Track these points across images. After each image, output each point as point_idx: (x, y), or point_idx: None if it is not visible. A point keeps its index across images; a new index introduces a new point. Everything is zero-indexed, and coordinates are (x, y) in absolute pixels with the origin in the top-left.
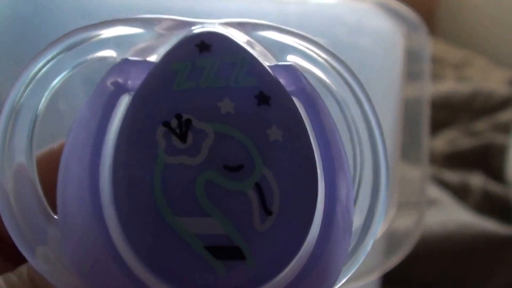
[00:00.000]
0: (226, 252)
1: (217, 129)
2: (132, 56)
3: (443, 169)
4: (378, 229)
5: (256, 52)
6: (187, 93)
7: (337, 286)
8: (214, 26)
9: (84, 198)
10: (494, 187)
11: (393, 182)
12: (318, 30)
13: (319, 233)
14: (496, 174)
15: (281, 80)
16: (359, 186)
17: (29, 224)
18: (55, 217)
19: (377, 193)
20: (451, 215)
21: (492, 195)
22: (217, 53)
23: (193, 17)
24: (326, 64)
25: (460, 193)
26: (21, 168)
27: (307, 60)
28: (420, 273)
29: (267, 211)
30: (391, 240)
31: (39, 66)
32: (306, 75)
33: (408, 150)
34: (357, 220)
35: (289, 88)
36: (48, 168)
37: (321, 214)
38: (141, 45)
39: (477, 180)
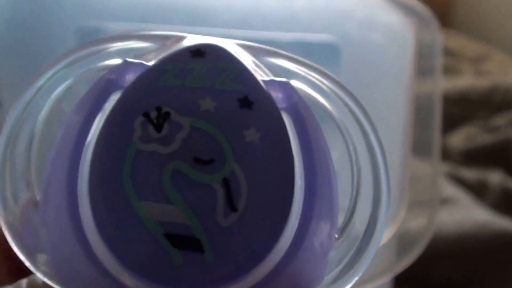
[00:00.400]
0: (185, 242)
1: (193, 124)
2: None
3: (461, 167)
4: (381, 239)
5: (255, 68)
6: (171, 89)
7: None
8: (218, 41)
9: (62, 174)
10: None
11: (404, 180)
12: (327, 25)
13: (292, 240)
14: None
15: (274, 95)
16: (356, 198)
17: (28, 230)
18: None
19: (378, 206)
20: (468, 214)
21: (511, 193)
22: (209, 59)
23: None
24: (331, 93)
25: (478, 191)
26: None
27: (311, 87)
28: (436, 273)
29: (232, 207)
30: (403, 240)
31: (44, 79)
32: (311, 104)
33: (420, 147)
34: (358, 229)
35: (281, 103)
36: None
37: (295, 228)
38: (145, 54)
39: (496, 177)
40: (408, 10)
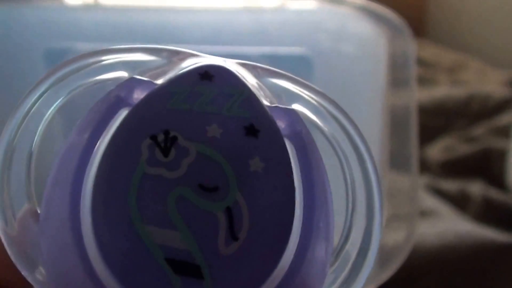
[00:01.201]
0: (185, 268)
1: (200, 150)
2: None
3: (441, 178)
4: (375, 258)
5: (259, 91)
6: (179, 113)
7: None
8: (224, 62)
9: (65, 192)
10: (495, 194)
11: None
12: (298, 38)
13: (288, 269)
14: (496, 180)
15: (279, 122)
16: (347, 236)
17: (28, 246)
18: None
19: (365, 253)
20: (449, 225)
21: (493, 203)
22: (218, 83)
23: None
24: (333, 119)
25: (459, 202)
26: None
27: (313, 112)
28: (418, 286)
29: (233, 236)
30: (383, 254)
31: (34, 100)
32: (309, 126)
33: (398, 160)
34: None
35: (285, 130)
36: None
37: (292, 256)
38: (152, 69)
39: (476, 188)
40: (380, 19)
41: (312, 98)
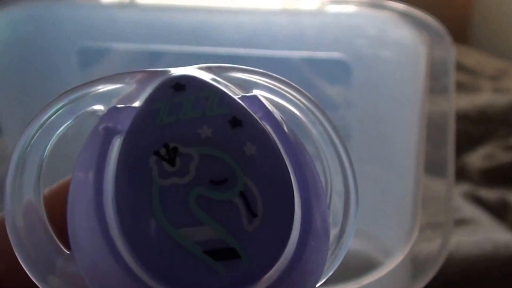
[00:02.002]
0: (223, 253)
1: (200, 152)
2: (117, 104)
3: (480, 186)
4: (351, 237)
5: (224, 88)
6: (170, 126)
7: (319, 284)
8: (185, 70)
9: (92, 227)
10: None
11: (417, 201)
12: (337, 42)
13: (298, 236)
14: None
15: (248, 109)
16: (330, 199)
17: (39, 255)
18: (63, 248)
19: (347, 210)
20: (488, 235)
21: None
22: (191, 90)
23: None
24: (289, 95)
25: (499, 211)
26: (30, 205)
27: (271, 93)
28: None
29: (253, 214)
30: (417, 263)
31: (47, 116)
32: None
33: (434, 166)
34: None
35: (257, 114)
36: (58, 201)
37: (299, 218)
38: (122, 95)
39: None
40: (420, 25)
41: (268, 83)
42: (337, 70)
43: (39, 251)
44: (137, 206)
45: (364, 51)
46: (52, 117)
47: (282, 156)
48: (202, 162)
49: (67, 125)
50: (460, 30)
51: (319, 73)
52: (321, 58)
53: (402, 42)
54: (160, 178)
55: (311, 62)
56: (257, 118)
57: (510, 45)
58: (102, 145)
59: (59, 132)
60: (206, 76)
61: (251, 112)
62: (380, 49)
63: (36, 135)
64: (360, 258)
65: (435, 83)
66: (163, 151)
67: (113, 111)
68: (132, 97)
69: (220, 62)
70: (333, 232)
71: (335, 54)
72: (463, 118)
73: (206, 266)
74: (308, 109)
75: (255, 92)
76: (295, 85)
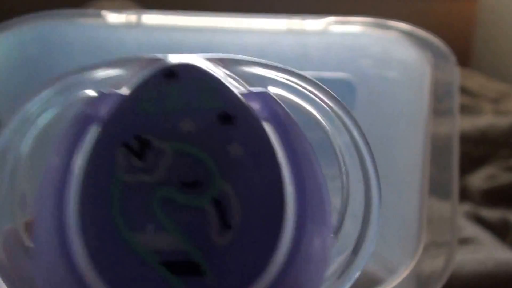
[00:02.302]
0: (184, 267)
1: (175, 148)
2: (106, 91)
3: (482, 206)
4: (363, 265)
5: (229, 81)
6: (149, 116)
7: None
8: (186, 58)
9: (50, 219)
10: None
11: (421, 220)
12: (342, 62)
13: (290, 247)
14: None
15: (254, 106)
16: (344, 215)
17: (15, 268)
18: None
19: (366, 227)
20: (490, 253)
21: None
22: (184, 79)
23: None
24: (308, 93)
25: (500, 230)
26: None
27: (288, 91)
28: None
29: (226, 225)
30: (421, 281)
31: (28, 107)
32: (287, 105)
33: (438, 186)
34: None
35: (261, 113)
36: None
37: (291, 234)
38: (114, 81)
39: None
40: (425, 45)
41: (288, 79)
42: (341, 90)
43: (13, 260)
44: (96, 202)
45: (368, 71)
46: (34, 108)
47: (277, 165)
48: (175, 160)
49: (51, 114)
50: (462, 53)
51: None
52: (326, 78)
53: (406, 62)
54: (125, 174)
55: None
56: (255, 116)
57: (511, 68)
58: (77, 131)
59: (42, 123)
60: (210, 67)
61: (249, 109)
62: (384, 69)
63: (17, 129)
64: (364, 276)
65: (440, 104)
66: (133, 142)
67: (98, 97)
68: (123, 84)
69: None
70: (342, 256)
71: (340, 74)
72: (464, 139)
73: (161, 279)
74: (334, 112)
75: (270, 89)
76: (320, 84)
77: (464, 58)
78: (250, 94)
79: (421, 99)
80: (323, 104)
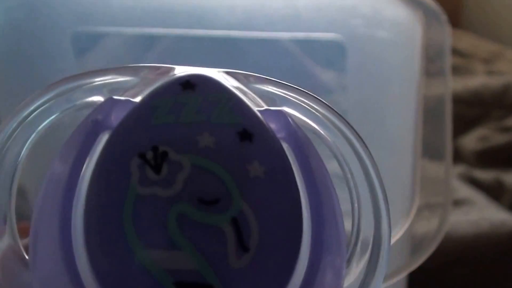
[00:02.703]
0: None
1: (194, 162)
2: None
3: (475, 168)
4: (387, 261)
5: (245, 97)
6: (166, 127)
7: None
8: (203, 70)
9: (53, 231)
10: None
11: (415, 181)
12: (332, 23)
13: (304, 276)
14: None
15: (271, 124)
16: (357, 239)
17: (4, 271)
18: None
19: (377, 253)
20: (484, 214)
21: None
22: (201, 91)
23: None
24: (322, 117)
25: (494, 192)
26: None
27: (302, 112)
28: (451, 276)
29: (244, 248)
30: (415, 242)
31: (29, 111)
32: (301, 126)
33: (431, 148)
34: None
35: (279, 133)
36: None
37: (307, 256)
38: (129, 88)
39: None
40: (416, 5)
41: (301, 100)
42: (332, 51)
43: (9, 275)
44: (106, 214)
45: (359, 31)
46: (35, 112)
47: (296, 186)
48: (193, 175)
49: (51, 120)
50: (453, 13)
51: (314, 54)
52: (316, 40)
53: (397, 22)
54: (139, 186)
55: (306, 44)
56: (273, 135)
57: (503, 27)
58: (86, 138)
59: (40, 129)
60: (227, 81)
61: (268, 127)
62: (375, 29)
63: (15, 133)
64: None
65: (431, 65)
66: (149, 154)
67: (108, 103)
68: (137, 92)
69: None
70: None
71: (330, 35)
72: (457, 101)
73: None
74: (347, 140)
75: (285, 109)
76: (333, 108)
77: (455, 18)
78: (267, 112)
79: (413, 60)
80: (336, 129)
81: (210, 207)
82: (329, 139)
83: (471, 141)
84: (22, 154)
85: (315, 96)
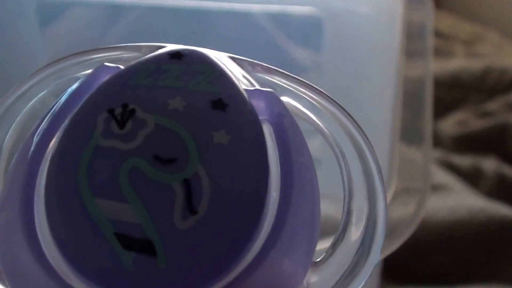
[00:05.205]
0: (136, 243)
1: (158, 121)
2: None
3: (453, 153)
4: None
5: (238, 77)
6: (141, 88)
7: None
8: (205, 50)
9: (18, 194)
10: (508, 170)
11: (392, 165)
12: None
13: (257, 254)
14: (510, 156)
15: (258, 104)
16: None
17: None
18: None
19: (373, 229)
20: (461, 201)
21: (506, 179)
22: (187, 61)
23: None
24: (322, 109)
25: (472, 177)
26: None
27: (302, 104)
28: (427, 263)
29: (191, 210)
30: (391, 227)
31: (27, 87)
32: (299, 119)
33: (410, 132)
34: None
35: (264, 113)
36: None
37: (264, 237)
38: (126, 60)
39: (490, 164)
40: None
41: (304, 93)
42: (308, 27)
43: None
44: (65, 162)
45: (337, 6)
46: (30, 90)
47: (265, 164)
48: (155, 133)
49: (43, 94)
50: None
51: (290, 28)
52: (291, 13)
53: None
54: (101, 137)
55: (281, 18)
56: (252, 110)
57: (484, 8)
58: (69, 98)
59: (29, 106)
60: (222, 60)
61: (247, 102)
62: (354, 4)
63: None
64: (332, 222)
65: (412, 45)
66: (118, 110)
67: (100, 69)
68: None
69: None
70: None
71: (306, 9)
72: (435, 83)
73: (111, 251)
74: (349, 136)
75: (285, 99)
76: (337, 103)
77: None
78: (255, 91)
79: (393, 38)
80: (338, 125)
81: (165, 166)
82: (327, 131)
83: (449, 125)
84: (9, 133)
85: (321, 90)
